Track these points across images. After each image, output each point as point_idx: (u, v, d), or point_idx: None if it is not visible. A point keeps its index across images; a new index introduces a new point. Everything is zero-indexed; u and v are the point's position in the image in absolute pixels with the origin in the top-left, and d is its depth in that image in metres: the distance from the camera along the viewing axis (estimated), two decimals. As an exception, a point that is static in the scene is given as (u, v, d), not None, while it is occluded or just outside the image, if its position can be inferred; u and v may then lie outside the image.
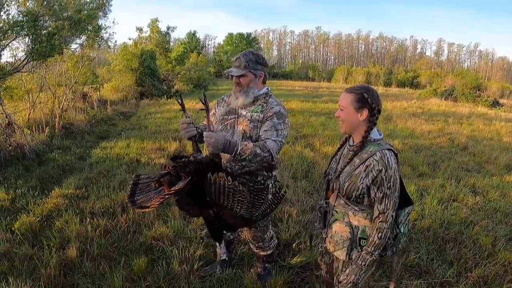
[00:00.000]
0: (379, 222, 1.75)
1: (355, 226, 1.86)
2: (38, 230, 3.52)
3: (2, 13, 5.23)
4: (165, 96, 16.86)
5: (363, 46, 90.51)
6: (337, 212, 1.91)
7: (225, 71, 2.29)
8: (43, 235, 3.44)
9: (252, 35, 61.78)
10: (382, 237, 1.76)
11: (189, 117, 2.16)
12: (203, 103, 2.15)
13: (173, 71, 21.79)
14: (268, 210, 1.94)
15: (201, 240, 3.35)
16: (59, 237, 3.34)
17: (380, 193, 1.74)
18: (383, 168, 1.71)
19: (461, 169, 6.33)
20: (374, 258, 1.79)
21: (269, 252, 2.72)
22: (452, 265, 3.19)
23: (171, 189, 1.74)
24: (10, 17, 5.45)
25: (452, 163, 6.62)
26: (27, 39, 5.66)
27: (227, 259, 2.95)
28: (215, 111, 2.48)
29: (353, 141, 1.90)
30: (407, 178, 5.52)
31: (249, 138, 2.26)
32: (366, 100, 1.76)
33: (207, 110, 2.16)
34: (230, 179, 1.77)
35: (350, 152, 1.87)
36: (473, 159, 7.12)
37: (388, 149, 1.76)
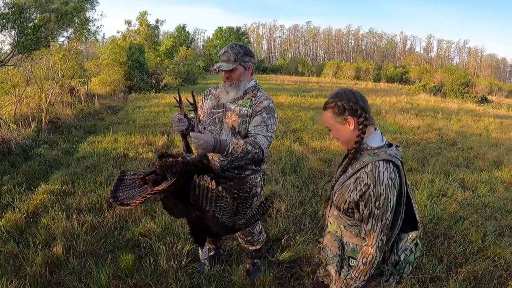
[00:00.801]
0: (364, 245, 1.55)
1: (346, 242, 1.67)
2: (24, 227, 3.44)
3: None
4: (153, 90, 16.69)
5: (353, 41, 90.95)
6: (330, 223, 1.76)
7: (214, 66, 2.23)
8: (28, 232, 3.36)
9: (242, 29, 61.59)
10: (367, 263, 1.53)
11: (182, 113, 2.10)
12: (190, 103, 2.11)
13: (161, 65, 21.54)
14: (253, 220, 1.87)
15: (189, 236, 3.30)
16: (45, 234, 3.27)
17: (367, 211, 1.51)
18: (372, 183, 1.47)
19: (450, 164, 6.39)
20: (359, 285, 1.57)
21: (258, 247, 2.69)
22: (442, 261, 3.19)
23: (154, 189, 1.69)
24: (-2, 7, 5.31)
25: (441, 158, 6.67)
26: (13, 32, 5.52)
27: (214, 254, 2.92)
28: (202, 104, 2.43)
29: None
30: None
31: (238, 133, 2.22)
32: (343, 107, 1.55)
33: (195, 110, 2.10)
34: (214, 184, 1.71)
35: (347, 161, 1.66)
36: (462, 154, 7.19)
37: (386, 160, 1.50)
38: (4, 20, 5.02)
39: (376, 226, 1.50)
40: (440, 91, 22.16)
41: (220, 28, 59.26)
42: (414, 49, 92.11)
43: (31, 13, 5.38)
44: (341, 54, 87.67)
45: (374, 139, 1.59)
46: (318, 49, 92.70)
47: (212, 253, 2.93)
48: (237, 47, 2.21)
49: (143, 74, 17.24)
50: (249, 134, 2.19)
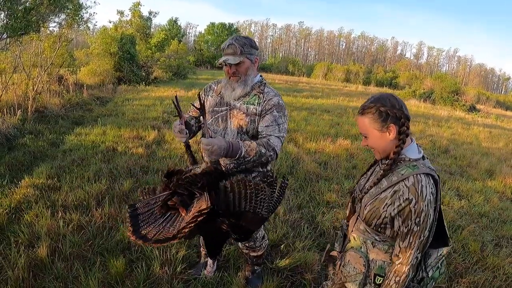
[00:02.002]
0: (398, 263, 1.44)
1: (372, 259, 1.56)
2: (5, 224, 3.20)
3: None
4: (143, 82, 16.38)
5: (344, 44, 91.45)
6: (354, 239, 1.62)
7: (220, 60, 2.02)
8: (10, 230, 3.12)
9: (234, 26, 61.36)
10: (400, 282, 1.44)
11: (183, 122, 1.91)
12: (197, 108, 1.93)
13: (152, 57, 21.19)
14: (277, 204, 1.76)
15: (183, 240, 3.13)
16: (28, 233, 3.02)
17: (405, 227, 1.41)
18: (414, 199, 1.37)
19: (445, 172, 6.37)
20: None
21: (260, 253, 2.53)
22: None
23: (206, 206, 1.45)
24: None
25: (435, 166, 6.61)
26: (2, 14, 5.24)
27: (210, 275, 2.73)
28: (203, 101, 2.24)
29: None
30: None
31: (245, 133, 2.05)
32: (387, 113, 1.43)
33: (204, 113, 1.90)
34: (250, 179, 1.57)
35: (381, 171, 1.53)
36: (455, 162, 7.18)
37: (426, 174, 1.41)
38: (-5, 1, 4.75)
39: (414, 243, 1.41)
40: (430, 97, 22.36)
41: (213, 24, 58.94)
42: (405, 55, 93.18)
43: (22, -6, 5.12)
44: (331, 56, 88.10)
45: (412, 150, 1.48)
46: (309, 49, 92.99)
47: (208, 259, 2.75)
48: (242, 39, 2.03)
49: (133, 66, 16.89)
50: (259, 135, 2.03)
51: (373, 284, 1.56)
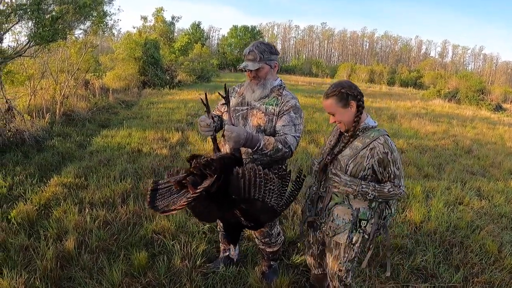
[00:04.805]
0: (395, 187, 1.89)
1: (355, 208, 1.95)
2: (35, 219, 3.41)
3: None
4: (167, 86, 16.74)
5: (367, 44, 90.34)
6: (337, 196, 1.98)
7: (241, 66, 2.19)
8: (40, 224, 3.33)
9: (257, 28, 61.54)
10: (389, 193, 1.87)
11: (210, 117, 2.05)
12: (223, 97, 2.08)
13: (176, 61, 21.63)
14: (292, 198, 1.89)
15: (204, 235, 3.25)
16: (56, 228, 3.23)
17: (387, 173, 1.87)
18: (389, 151, 1.84)
19: (466, 172, 6.26)
20: (370, 195, 1.85)
21: (275, 249, 2.63)
22: (459, 270, 3.10)
23: (199, 187, 1.59)
24: (14, 0, 5.32)
25: (457, 166, 6.55)
26: (30, 23, 5.52)
27: (228, 255, 2.87)
28: (227, 90, 2.39)
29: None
30: (413, 179, 5.45)
31: (263, 131, 2.18)
32: (346, 94, 1.86)
33: (228, 103, 2.07)
34: (261, 168, 1.69)
35: (347, 137, 1.96)
36: (477, 162, 7.05)
37: (388, 134, 1.91)
38: (21, 11, 5.02)
39: (401, 181, 1.90)
40: (455, 97, 21.83)
41: (235, 27, 59.35)
42: (429, 53, 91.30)
43: (49, 4, 5.38)
44: (355, 57, 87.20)
45: (370, 121, 1.95)
46: (333, 50, 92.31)
47: (227, 253, 2.86)
48: (262, 45, 2.17)
49: (157, 70, 17.30)
50: (277, 134, 2.15)
51: (358, 229, 1.97)
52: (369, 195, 1.86)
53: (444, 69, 69.35)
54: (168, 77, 18.06)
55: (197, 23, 51.68)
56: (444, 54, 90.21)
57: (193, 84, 20.79)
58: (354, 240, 1.98)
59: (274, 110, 2.18)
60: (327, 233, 2.03)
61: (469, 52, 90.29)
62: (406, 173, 5.75)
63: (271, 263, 2.74)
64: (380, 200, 1.92)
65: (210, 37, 79.67)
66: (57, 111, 7.86)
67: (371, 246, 2.03)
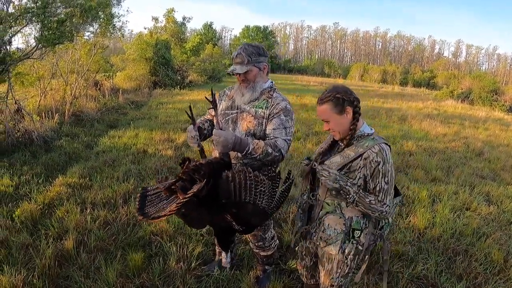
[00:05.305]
0: (378, 202, 1.73)
1: (348, 217, 1.83)
2: (38, 218, 3.48)
3: (14, -1, 5.23)
4: (178, 86, 16.85)
5: (380, 44, 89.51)
6: (328, 204, 1.86)
7: (228, 70, 2.17)
8: (42, 223, 3.39)
9: (269, 29, 61.49)
10: (367, 203, 1.72)
11: (196, 128, 2.05)
12: (209, 101, 2.06)
13: (187, 61, 21.75)
14: (282, 199, 1.87)
15: (201, 238, 3.25)
16: (57, 227, 3.28)
17: (377, 185, 1.73)
18: (381, 161, 1.70)
19: (476, 176, 6.10)
20: (351, 197, 1.74)
21: (269, 253, 2.61)
22: (461, 279, 3.00)
23: (188, 192, 1.59)
24: (23, 3, 5.42)
25: (467, 169, 6.40)
26: (37, 26, 5.62)
27: (227, 267, 2.83)
28: (214, 94, 2.38)
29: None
30: (419, 183, 5.34)
31: (253, 135, 2.15)
32: (342, 99, 1.74)
33: (215, 107, 2.05)
34: (251, 170, 1.68)
35: (341, 146, 1.85)
36: (488, 165, 6.88)
37: (385, 143, 1.76)
38: (30, 14, 5.12)
39: (386, 199, 1.73)
40: (468, 97, 21.45)
41: (247, 27, 59.46)
42: (443, 53, 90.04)
43: (56, 7, 5.47)
44: (368, 57, 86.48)
45: (366, 128, 1.81)
46: (345, 50, 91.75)
47: (227, 265, 2.85)
48: (250, 47, 2.14)
49: (168, 70, 17.42)
50: (267, 137, 2.12)
51: (352, 239, 1.84)
52: (350, 196, 1.73)
53: (458, 69, 68.29)
54: (179, 77, 18.18)
55: (209, 23, 51.98)
56: (458, 54, 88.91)
57: (204, 84, 20.91)
58: (346, 251, 1.85)
59: (264, 113, 2.15)
60: (318, 243, 1.92)
61: (483, 52, 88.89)
62: (412, 176, 5.65)
63: (266, 267, 2.72)
64: (360, 207, 1.76)
65: (223, 37, 79.94)
66: (67, 111, 7.98)
67: (365, 258, 1.90)
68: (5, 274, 2.58)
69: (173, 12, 22.76)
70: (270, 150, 1.99)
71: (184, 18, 25.13)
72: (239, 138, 1.94)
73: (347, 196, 1.74)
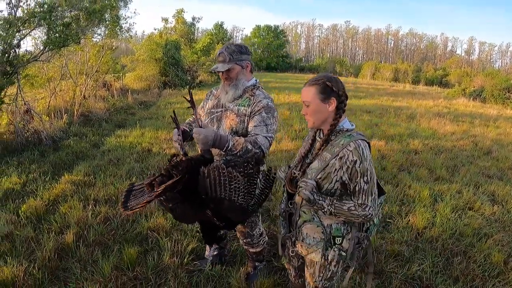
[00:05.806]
0: (358, 207, 1.63)
1: (327, 224, 1.73)
2: (42, 214, 3.62)
3: (21, 3, 5.38)
4: (188, 86, 16.97)
5: (392, 42, 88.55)
6: (305, 213, 1.78)
7: (211, 69, 2.23)
8: (46, 219, 3.52)
9: (280, 28, 61.32)
10: (346, 211, 1.62)
11: (180, 133, 2.10)
12: (188, 100, 2.10)
13: (198, 61, 21.89)
14: (263, 197, 1.90)
15: (197, 234, 3.32)
16: (60, 222, 3.42)
17: (356, 186, 1.62)
18: (358, 160, 1.59)
19: (482, 175, 5.97)
20: (326, 210, 1.64)
21: (258, 250, 2.66)
22: (458, 281, 2.93)
23: (159, 188, 1.66)
24: (31, 6, 5.57)
25: (473, 168, 6.29)
26: (45, 29, 5.78)
27: (217, 254, 2.92)
28: (204, 104, 2.44)
29: (323, 133, 1.76)
30: (422, 182, 5.28)
31: (236, 133, 2.20)
32: (331, 88, 1.65)
33: (193, 106, 2.10)
34: (224, 167, 1.73)
35: (317, 142, 1.76)
36: (496, 164, 6.75)
37: (362, 140, 1.64)
38: (36, 18, 5.27)
39: (367, 200, 1.63)
40: (480, 95, 21.07)
41: (258, 27, 59.35)
42: (455, 51, 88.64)
43: (62, 11, 5.62)
44: (380, 55, 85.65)
45: (347, 123, 1.72)
46: (357, 49, 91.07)
47: (215, 252, 2.92)
48: (232, 46, 2.20)
49: (178, 70, 17.58)
50: (249, 134, 2.17)
51: (333, 247, 1.75)
52: (325, 210, 1.63)
53: (471, 66, 67.04)
54: (189, 78, 18.31)
55: (220, 23, 52.11)
56: (471, 51, 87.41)
57: (214, 84, 20.99)
58: (330, 258, 1.76)
59: (246, 111, 2.19)
60: (300, 252, 1.86)
61: (496, 49, 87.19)
62: (415, 175, 5.60)
63: (256, 264, 2.77)
64: (341, 217, 1.67)
65: (234, 37, 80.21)
66: (75, 111, 8.16)
67: (352, 263, 1.80)
68: (8, 265, 2.71)
69: (182, 13, 22.98)
70: (250, 146, 2.03)
71: (193, 19, 25.35)
72: (219, 135, 1.98)
73: (323, 211, 1.66)
